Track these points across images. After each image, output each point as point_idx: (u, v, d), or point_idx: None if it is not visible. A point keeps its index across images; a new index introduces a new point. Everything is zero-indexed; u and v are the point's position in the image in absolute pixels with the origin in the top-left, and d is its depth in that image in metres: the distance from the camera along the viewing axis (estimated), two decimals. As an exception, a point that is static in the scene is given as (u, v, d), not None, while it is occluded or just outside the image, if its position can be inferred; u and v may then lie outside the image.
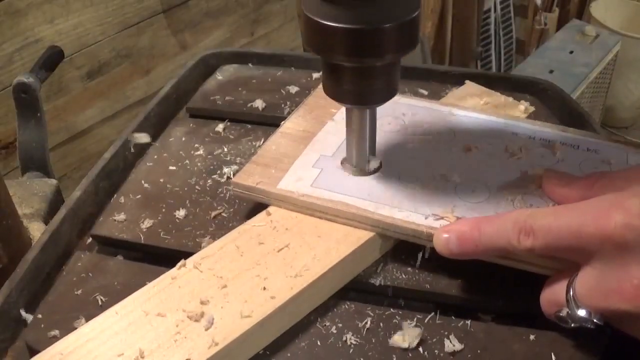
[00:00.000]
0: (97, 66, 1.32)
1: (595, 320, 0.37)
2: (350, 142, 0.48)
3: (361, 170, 0.48)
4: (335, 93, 0.44)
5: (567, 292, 0.37)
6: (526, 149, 0.49)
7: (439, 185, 0.47)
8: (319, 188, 0.47)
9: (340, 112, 0.54)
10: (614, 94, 2.18)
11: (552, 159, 0.49)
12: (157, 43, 1.42)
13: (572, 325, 0.38)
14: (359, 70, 0.42)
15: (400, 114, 0.54)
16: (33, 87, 0.84)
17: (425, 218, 0.44)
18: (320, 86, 0.57)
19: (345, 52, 0.40)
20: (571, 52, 2.03)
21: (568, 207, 0.38)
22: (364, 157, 0.48)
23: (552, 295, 0.39)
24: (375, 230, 0.44)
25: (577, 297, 0.37)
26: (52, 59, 0.90)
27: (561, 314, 0.38)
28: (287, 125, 0.54)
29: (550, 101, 0.63)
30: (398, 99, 0.55)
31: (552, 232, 0.37)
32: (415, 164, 0.49)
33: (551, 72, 1.94)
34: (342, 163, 0.49)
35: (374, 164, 0.49)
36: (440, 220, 0.43)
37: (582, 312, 0.37)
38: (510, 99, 0.59)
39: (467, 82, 0.62)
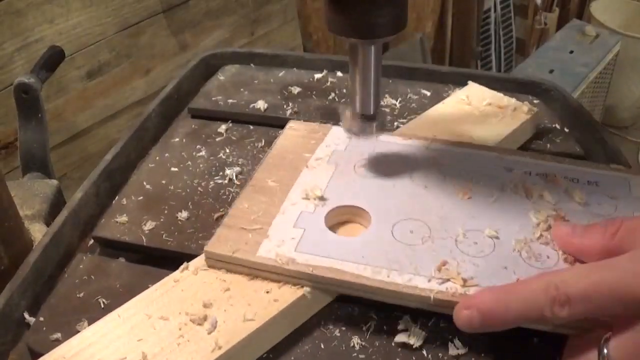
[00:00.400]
0: (97, 66, 1.32)
1: None
2: (354, 85, 0.45)
3: (364, 120, 0.45)
4: (340, 27, 0.41)
5: (599, 358, 0.34)
6: (524, 187, 0.46)
7: (437, 239, 0.42)
8: (305, 252, 0.41)
9: (314, 158, 0.50)
10: (614, 93, 2.18)
11: (554, 195, 0.45)
12: (157, 43, 1.41)
13: None
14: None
15: (382, 156, 0.49)
16: (34, 88, 0.83)
17: (429, 281, 0.39)
18: (287, 130, 0.54)
19: None
20: (571, 52, 2.02)
21: (604, 266, 0.35)
22: (369, 101, 0.45)
23: None
24: (373, 297, 0.40)
25: None
26: (53, 59, 0.90)
27: None
28: (258, 177, 0.48)
29: (553, 102, 0.63)
30: (376, 138, 0.50)
31: (592, 299, 0.33)
32: (408, 215, 0.44)
33: (551, 72, 1.94)
34: (343, 116, 0.46)
35: (376, 124, 0.46)
36: (447, 282, 0.39)
37: None
38: (513, 100, 0.58)
39: (470, 82, 0.62)
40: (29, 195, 0.71)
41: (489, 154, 0.50)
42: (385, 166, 0.48)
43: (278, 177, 0.48)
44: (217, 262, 0.42)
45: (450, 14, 2.13)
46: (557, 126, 0.60)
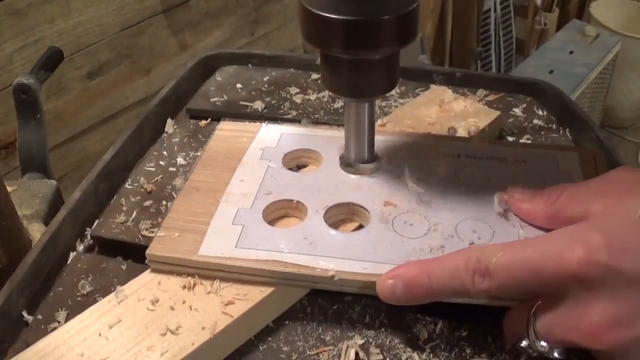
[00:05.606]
0: (97, 66, 1.32)
1: (556, 355, 0.36)
2: (349, 137, 0.47)
3: (360, 166, 0.48)
4: (334, 86, 0.44)
5: (528, 324, 0.36)
6: (458, 169, 0.48)
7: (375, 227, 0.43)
8: (245, 248, 0.42)
9: (247, 156, 0.50)
10: (614, 94, 2.18)
11: (483, 176, 0.47)
12: (157, 43, 1.42)
13: (534, 355, 0.37)
14: (357, 62, 0.42)
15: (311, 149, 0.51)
16: (33, 88, 0.83)
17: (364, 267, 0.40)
18: (218, 131, 0.54)
19: (343, 44, 0.40)
20: (571, 52, 2.03)
21: (524, 243, 0.37)
22: (363, 150, 0.48)
23: (514, 327, 0.38)
24: (318, 287, 0.41)
25: (538, 330, 0.36)
26: (52, 60, 0.90)
27: (522, 345, 0.37)
28: (194, 178, 0.48)
29: (549, 102, 0.63)
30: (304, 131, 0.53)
31: (510, 272, 0.36)
32: (338, 199, 0.46)
33: (551, 72, 1.94)
34: (340, 159, 0.49)
35: (374, 164, 0.49)
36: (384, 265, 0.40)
37: (542, 345, 0.36)
38: (484, 106, 0.58)
39: (432, 87, 0.63)
40: (28, 195, 0.72)
41: (423, 139, 0.51)
42: (319, 159, 0.50)
43: (213, 177, 0.48)
44: (160, 265, 0.42)
45: (450, 14, 2.13)
46: (554, 126, 0.60)
